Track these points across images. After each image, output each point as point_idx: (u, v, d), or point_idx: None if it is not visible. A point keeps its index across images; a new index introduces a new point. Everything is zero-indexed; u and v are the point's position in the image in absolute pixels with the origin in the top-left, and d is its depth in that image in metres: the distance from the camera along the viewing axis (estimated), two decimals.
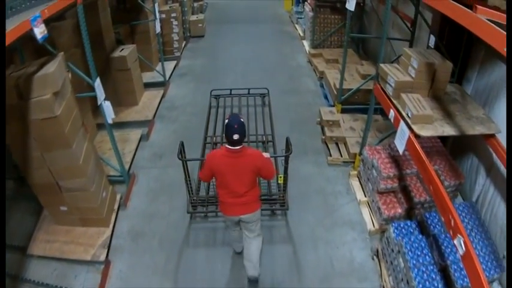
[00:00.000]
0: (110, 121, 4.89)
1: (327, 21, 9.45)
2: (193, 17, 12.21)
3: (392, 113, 4.15)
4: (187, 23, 11.79)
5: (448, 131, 3.77)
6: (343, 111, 6.94)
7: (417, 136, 3.70)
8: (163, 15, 9.62)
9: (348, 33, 6.35)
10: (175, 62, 9.84)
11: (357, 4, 8.92)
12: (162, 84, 8.44)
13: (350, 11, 6.06)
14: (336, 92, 7.09)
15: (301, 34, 11.63)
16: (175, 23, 9.82)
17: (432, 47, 5.04)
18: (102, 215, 4.73)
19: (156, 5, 7.52)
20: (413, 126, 3.77)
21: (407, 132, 3.69)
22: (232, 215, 3.92)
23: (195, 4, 13.87)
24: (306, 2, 10.66)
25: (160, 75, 8.43)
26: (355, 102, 7.01)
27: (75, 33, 5.75)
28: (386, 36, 5.21)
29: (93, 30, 6.40)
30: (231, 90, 7.79)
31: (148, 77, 8.56)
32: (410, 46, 6.29)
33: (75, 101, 4.31)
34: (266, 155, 3.89)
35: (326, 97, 7.77)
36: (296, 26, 12.69)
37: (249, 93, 7.79)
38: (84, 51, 4.43)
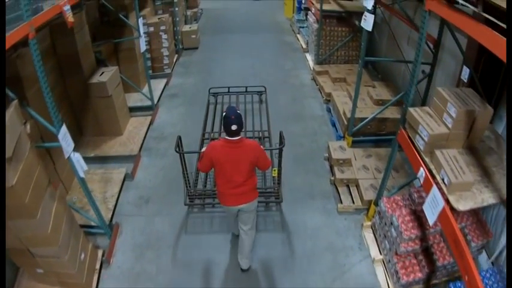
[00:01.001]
0: (81, 175, 4.23)
1: (333, 34, 8.76)
2: (186, 27, 11.50)
3: (422, 173, 3.44)
4: (180, 34, 11.07)
5: (488, 198, 3.15)
6: (353, 143, 6.30)
7: (453, 208, 3.06)
8: (152, 28, 8.95)
9: (363, 57, 5.61)
10: (165, 80, 9.14)
11: None
12: (150, 109, 7.73)
13: (366, 30, 5.31)
14: (346, 122, 6.41)
15: (304, 46, 10.93)
16: (164, 36, 9.11)
17: (465, 80, 4.35)
18: (82, 279, 4.22)
19: (140, 20, 6.76)
20: (449, 197, 3.11)
21: (441, 202, 3.02)
22: (232, 205, 4.13)
23: (189, 12, 13.19)
24: (309, 12, 9.94)
25: (148, 98, 7.70)
26: (367, 133, 6.41)
27: (46, 58, 5.15)
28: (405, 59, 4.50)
29: (67, 53, 5.86)
30: (229, 88, 8.18)
31: (135, 99, 7.89)
32: (432, 70, 5.63)
33: (36, 157, 3.63)
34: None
35: (334, 125, 7.06)
36: (298, 36, 11.97)
37: (246, 91, 8.18)
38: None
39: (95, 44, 6.94)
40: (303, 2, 11.36)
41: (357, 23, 9.40)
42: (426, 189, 3.34)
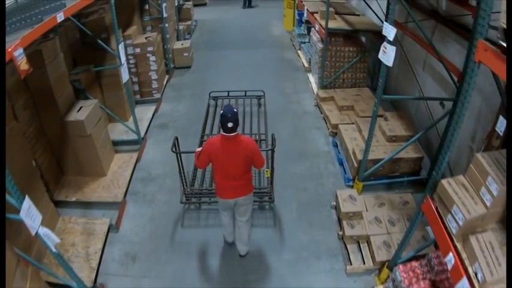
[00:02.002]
0: (53, 250, 3.73)
1: (339, 55, 8.27)
2: (178, 44, 11.01)
3: (451, 259, 2.98)
4: (171, 53, 10.57)
5: None
6: (364, 187, 5.86)
7: None
8: (138, 50, 8.46)
9: (380, 96, 5.03)
10: (154, 106, 8.64)
11: (376, 33, 7.99)
12: (137, 142, 7.23)
13: (384, 65, 4.73)
14: (356, 164, 5.92)
15: (306, 64, 10.46)
16: (152, 58, 8.61)
17: (500, 133, 3.84)
18: None
19: (121, 46, 6.23)
20: None
21: None
22: (229, 198, 4.55)
23: (181, 26, 12.72)
24: (312, 29, 9.45)
25: (133, 132, 7.18)
26: (379, 175, 5.94)
27: (18, 93, 4.91)
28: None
29: (39, 87, 5.39)
30: (228, 92, 8.75)
31: (120, 131, 7.41)
32: (455, 107, 5.11)
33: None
34: None
35: (341, 163, 6.55)
36: (299, 52, 11.49)
37: (245, 95, 8.75)
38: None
39: (73, 72, 6.50)
40: (304, 15, 10.85)
41: (363, 39, 8.97)
42: (454, 277, 2.95)
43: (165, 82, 9.81)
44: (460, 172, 5.34)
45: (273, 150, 5.44)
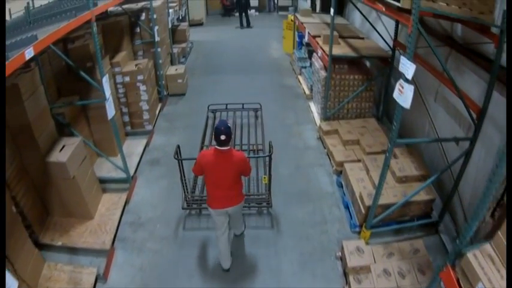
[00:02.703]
0: None
1: (343, 84, 8.01)
2: (172, 70, 10.82)
3: None
4: (164, 79, 10.37)
5: None
6: (371, 234, 5.57)
7: None
8: (128, 78, 8.19)
9: (395, 141, 4.68)
10: (145, 140, 8.38)
11: (384, 59, 7.89)
12: (126, 181, 6.92)
13: (401, 106, 4.45)
14: (363, 210, 5.61)
15: (307, 91, 10.26)
16: (143, 88, 8.35)
17: None
18: None
19: (105, 80, 5.94)
20: None
21: None
22: (219, 208, 4.87)
23: (175, 49, 12.53)
24: (314, 55, 9.23)
25: (122, 171, 6.87)
26: (388, 220, 5.64)
27: None
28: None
29: (18, 124, 5.13)
30: (226, 105, 9.40)
31: (109, 167, 7.08)
32: (472, 146, 4.90)
33: None
34: None
35: (347, 206, 6.24)
36: (299, 77, 11.32)
37: (243, 108, 9.37)
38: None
39: (55, 106, 6.27)
40: (305, 38, 10.62)
41: (367, 63, 8.71)
42: None
43: (157, 111, 9.58)
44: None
45: (270, 157, 5.90)
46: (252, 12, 20.27)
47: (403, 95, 4.28)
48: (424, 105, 6.78)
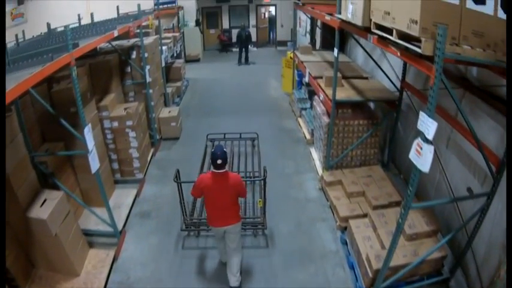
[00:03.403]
0: None
1: (347, 130, 7.76)
2: (165, 112, 10.64)
3: None
4: (156, 122, 10.18)
5: None
6: None
7: None
8: (116, 124, 7.93)
9: (410, 206, 4.29)
10: (135, 189, 8.09)
11: (390, 102, 7.69)
12: (114, 235, 6.58)
13: (418, 170, 4.00)
14: (371, 275, 5.28)
15: (307, 135, 10.06)
16: (132, 134, 8.09)
17: None
18: None
19: (87, 130, 5.62)
20: None
21: None
22: (218, 226, 5.39)
23: (170, 88, 12.42)
24: (316, 98, 9.03)
25: (109, 225, 6.51)
26: (396, 281, 5.25)
27: None
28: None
29: None
30: (224, 134, 9.98)
31: (96, 219, 6.60)
32: (489, 201, 4.63)
33: None
34: None
35: (352, 266, 5.89)
36: (299, 120, 11.15)
37: (240, 137, 10.01)
38: None
39: (37, 154, 6.01)
40: (305, 77, 10.38)
41: (372, 105, 8.51)
42: None
43: (149, 158, 9.35)
44: (488, 271, 4.77)
45: (264, 181, 6.46)
46: (250, 47, 20.31)
47: (422, 157, 3.88)
48: (435, 153, 6.48)
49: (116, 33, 7.08)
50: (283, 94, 13.57)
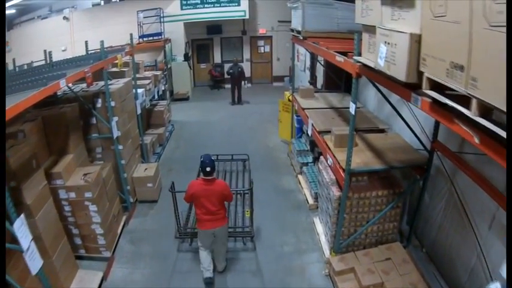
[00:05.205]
0: None
1: (363, 204, 6.48)
2: (140, 170, 9.34)
3: None
4: (130, 183, 8.93)
5: None
6: None
7: None
8: (73, 195, 6.68)
9: None
10: (101, 272, 6.80)
11: (418, 168, 6.44)
12: None
13: None
14: None
15: (310, 199, 8.85)
16: (93, 208, 6.82)
17: None
18: None
19: (20, 223, 4.38)
20: None
21: None
22: (207, 228, 6.29)
23: (149, 138, 11.18)
24: (322, 160, 7.61)
25: None
26: None
27: None
28: None
29: None
30: (217, 155, 10.49)
31: None
32: None
33: None
34: None
35: None
36: (300, 178, 9.93)
37: (232, 159, 10.89)
38: None
39: None
40: (308, 130, 8.98)
41: (395, 173, 7.05)
42: None
43: (120, 229, 8.10)
44: None
45: (251, 191, 7.38)
46: (244, 84, 19.35)
47: None
48: (472, 231, 5.52)
49: (62, 84, 5.89)
50: (281, 142, 12.47)
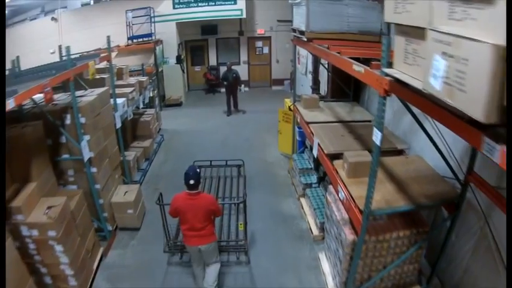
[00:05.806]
0: None
1: (381, 247, 5.43)
2: (119, 195, 8.25)
3: None
4: (106, 210, 7.88)
5: None
6: None
7: None
8: (36, 233, 5.71)
9: None
10: None
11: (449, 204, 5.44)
12: None
13: None
14: None
15: (314, 230, 7.78)
16: (59, 248, 5.86)
17: None
18: None
19: None
20: None
21: None
22: (193, 245, 6.02)
23: (132, 153, 10.14)
24: (331, 189, 6.37)
25: None
26: None
27: None
28: None
29: None
30: (211, 161, 10.60)
31: None
32: None
33: None
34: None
35: None
36: (302, 201, 8.88)
37: (226, 164, 10.65)
38: None
39: None
40: (314, 150, 7.71)
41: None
42: None
43: (96, 263, 7.10)
44: None
45: (244, 203, 7.12)
46: (241, 89, 18.48)
47: None
48: (498, 267, 4.83)
49: (11, 105, 4.76)
50: (280, 156, 11.52)
